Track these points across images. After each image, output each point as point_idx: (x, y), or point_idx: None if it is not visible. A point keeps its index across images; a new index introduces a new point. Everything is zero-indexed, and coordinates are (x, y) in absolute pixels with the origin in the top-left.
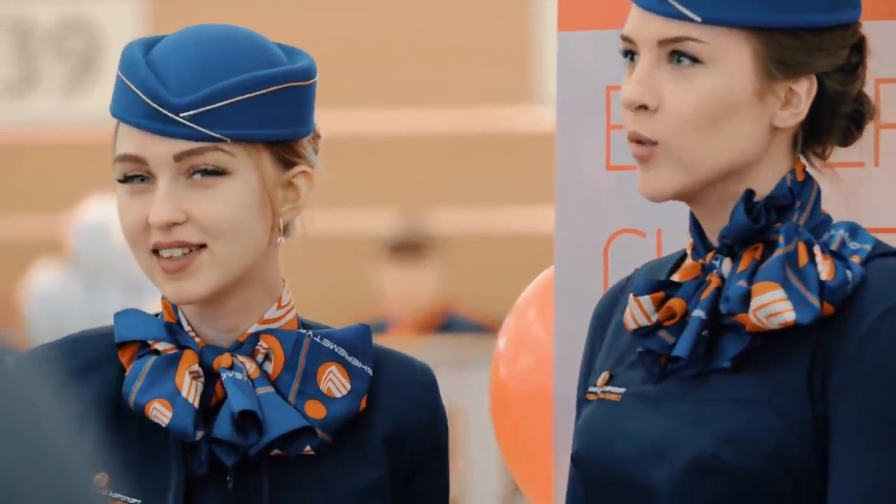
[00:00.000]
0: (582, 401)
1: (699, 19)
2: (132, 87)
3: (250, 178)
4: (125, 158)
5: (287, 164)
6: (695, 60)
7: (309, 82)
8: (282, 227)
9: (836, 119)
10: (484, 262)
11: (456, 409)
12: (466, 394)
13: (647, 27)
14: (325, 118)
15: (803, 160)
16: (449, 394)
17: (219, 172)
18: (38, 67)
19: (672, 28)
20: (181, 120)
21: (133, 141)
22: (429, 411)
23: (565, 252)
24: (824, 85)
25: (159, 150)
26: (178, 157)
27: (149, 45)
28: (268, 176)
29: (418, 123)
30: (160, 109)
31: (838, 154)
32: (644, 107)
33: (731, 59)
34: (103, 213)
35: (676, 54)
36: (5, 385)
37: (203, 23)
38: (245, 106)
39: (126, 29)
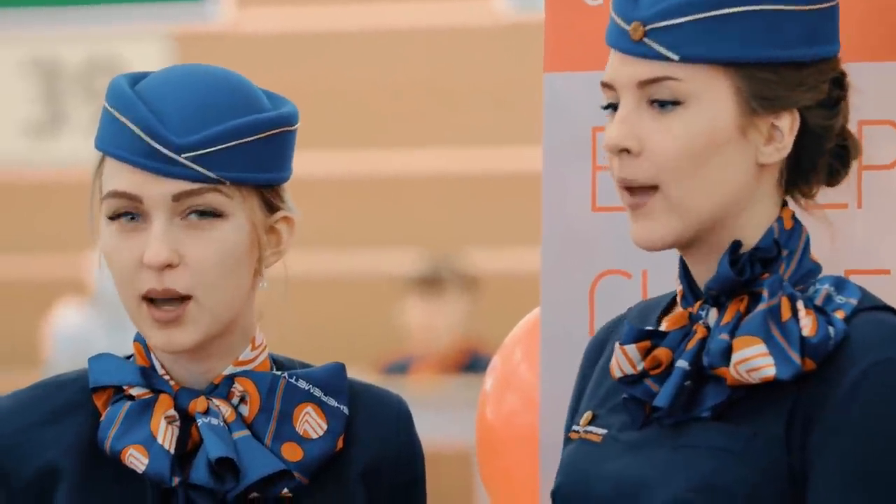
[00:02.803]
0: (566, 438)
1: (677, 58)
2: (128, 123)
3: (242, 221)
4: (118, 195)
5: (271, 209)
6: (675, 103)
7: (294, 127)
8: (263, 272)
9: (820, 155)
10: (509, 301)
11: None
12: None
13: (626, 70)
14: (353, 159)
15: (791, 205)
16: (468, 435)
17: (215, 214)
18: (66, 108)
19: (651, 69)
20: (183, 160)
21: (127, 178)
22: (405, 444)
23: (551, 292)
24: (807, 121)
25: (157, 190)
26: (177, 198)
27: (134, 80)
28: (257, 220)
29: (445, 163)
30: (160, 149)
31: (823, 195)
32: (627, 150)
33: (711, 95)
34: None
35: (658, 102)
36: None
37: (230, 62)
38: (243, 149)
39: (153, 68)
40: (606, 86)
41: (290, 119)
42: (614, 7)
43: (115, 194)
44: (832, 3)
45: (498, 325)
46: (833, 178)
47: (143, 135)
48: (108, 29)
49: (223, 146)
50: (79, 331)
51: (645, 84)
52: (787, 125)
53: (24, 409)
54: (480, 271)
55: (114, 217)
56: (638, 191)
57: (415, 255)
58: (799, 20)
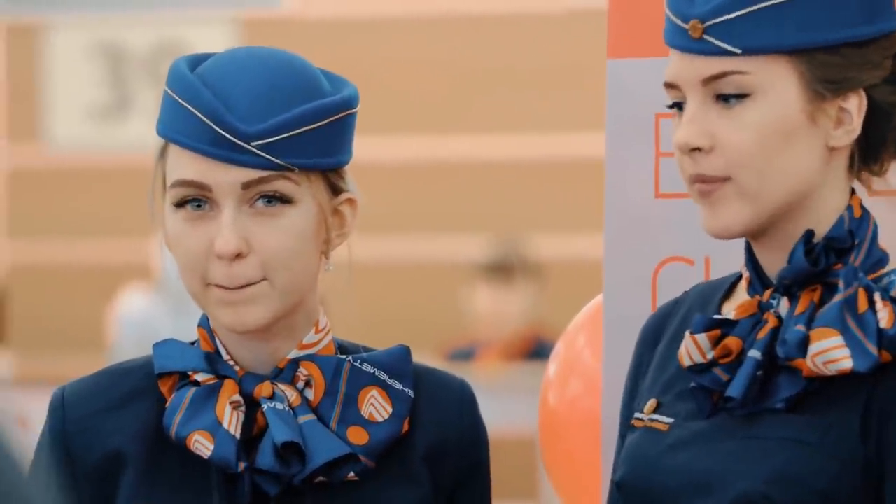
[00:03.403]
0: (626, 425)
1: (739, 51)
2: (193, 110)
3: (310, 206)
4: (186, 184)
5: (336, 192)
6: (743, 96)
7: (355, 110)
8: (328, 254)
9: (889, 131)
10: (576, 288)
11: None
12: None
13: (689, 68)
14: (420, 144)
15: (857, 193)
16: (535, 421)
17: (283, 200)
18: (132, 92)
19: (714, 65)
20: (252, 148)
21: (194, 166)
22: (469, 427)
23: (614, 279)
24: (874, 98)
25: (226, 178)
26: (246, 186)
27: (194, 62)
28: (324, 204)
29: (514, 149)
30: (229, 137)
31: (890, 182)
32: (698, 149)
33: (777, 85)
34: None
35: (723, 97)
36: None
37: (296, 48)
38: (310, 135)
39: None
40: (670, 86)
41: (352, 102)
42: (670, 6)
43: (183, 183)
44: None
45: (562, 312)
46: None
47: (209, 122)
48: (175, 13)
49: (291, 133)
50: (143, 316)
51: (710, 80)
52: (855, 106)
53: (91, 396)
54: (545, 258)
55: (180, 204)
56: (709, 179)
57: (482, 242)
58: None
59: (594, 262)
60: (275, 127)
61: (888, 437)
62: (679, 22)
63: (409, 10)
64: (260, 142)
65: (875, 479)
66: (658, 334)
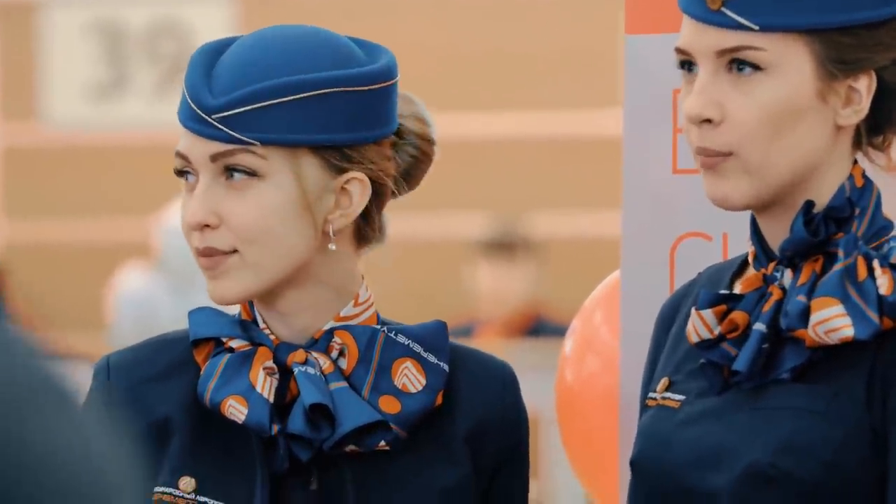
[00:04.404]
0: (643, 405)
1: (757, 27)
2: (183, 85)
3: (285, 182)
4: (177, 155)
5: (338, 170)
6: (756, 68)
7: (370, 87)
8: (332, 233)
9: (895, 111)
10: (576, 265)
11: (539, 414)
12: (552, 399)
13: (704, 39)
14: None
15: (861, 163)
16: (532, 399)
17: (250, 174)
18: (129, 70)
19: (730, 38)
20: (212, 121)
21: (183, 139)
22: (511, 408)
23: (631, 255)
24: (883, 79)
25: (200, 150)
26: (214, 158)
27: (230, 42)
28: (310, 181)
29: (514, 127)
30: (196, 110)
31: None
32: (708, 120)
33: (790, 63)
34: None
35: (737, 62)
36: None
37: (294, 24)
38: (282, 109)
39: (217, 32)
40: (682, 51)
41: (362, 78)
42: None
43: (176, 153)
44: None
45: (563, 290)
46: None
47: (187, 97)
48: None
49: (251, 107)
50: (142, 295)
51: (724, 53)
52: (865, 86)
53: (138, 365)
54: (546, 236)
55: (179, 175)
56: (713, 153)
57: (483, 220)
58: None
59: (595, 239)
60: (236, 100)
61: (892, 403)
62: None
63: None
64: (219, 115)
65: (880, 446)
66: (673, 316)
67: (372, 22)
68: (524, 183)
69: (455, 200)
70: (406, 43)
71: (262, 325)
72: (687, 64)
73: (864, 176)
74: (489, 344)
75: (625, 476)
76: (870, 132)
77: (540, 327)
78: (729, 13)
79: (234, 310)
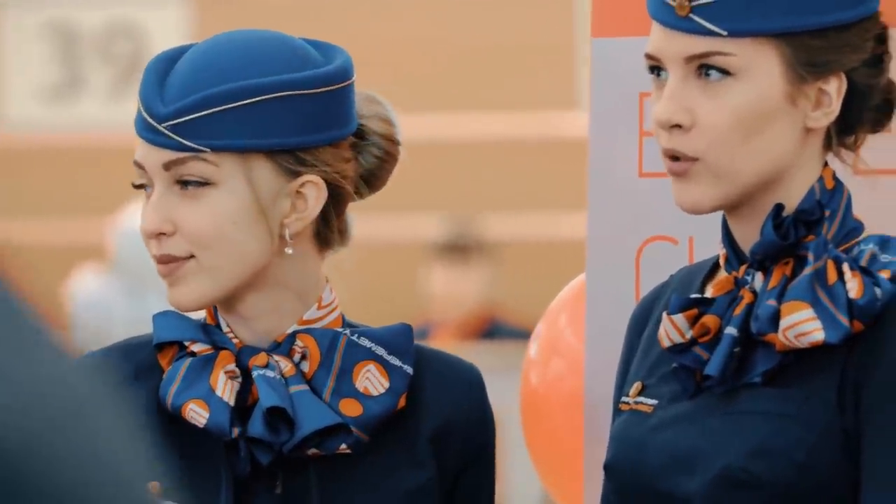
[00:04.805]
0: (616, 409)
1: (725, 33)
2: (138, 95)
3: (238, 188)
4: (134, 164)
5: (292, 174)
6: (725, 73)
7: (323, 89)
8: (289, 236)
9: (865, 112)
10: (531, 268)
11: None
12: (507, 401)
13: (673, 45)
14: None
15: (831, 165)
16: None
17: (203, 183)
18: (84, 72)
19: (698, 44)
20: (163, 130)
21: (139, 149)
22: (477, 409)
23: (597, 258)
24: (853, 80)
25: (153, 159)
26: (167, 167)
27: (185, 50)
28: (263, 186)
29: (468, 128)
30: (149, 119)
31: (876, 162)
32: (678, 126)
33: (760, 67)
34: None
35: (706, 68)
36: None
37: (249, 27)
38: (232, 115)
39: (172, 34)
40: (651, 57)
41: (313, 81)
42: None
43: (134, 163)
44: None
45: (517, 292)
46: (877, 128)
47: (141, 105)
48: None
49: (200, 114)
50: (98, 297)
51: (692, 59)
52: (835, 88)
53: (109, 369)
54: (500, 238)
55: (138, 187)
56: (682, 157)
57: (437, 221)
58: None
59: (550, 241)
60: (185, 108)
61: (864, 405)
62: None
63: None
64: (168, 123)
65: (853, 449)
66: (645, 319)
67: (317, 23)
68: (478, 185)
69: (411, 202)
70: (358, 40)
71: (225, 330)
72: (656, 69)
73: (834, 178)
74: (444, 346)
75: (590, 479)
76: (840, 133)
77: (495, 330)
78: (697, 19)
79: (201, 314)
